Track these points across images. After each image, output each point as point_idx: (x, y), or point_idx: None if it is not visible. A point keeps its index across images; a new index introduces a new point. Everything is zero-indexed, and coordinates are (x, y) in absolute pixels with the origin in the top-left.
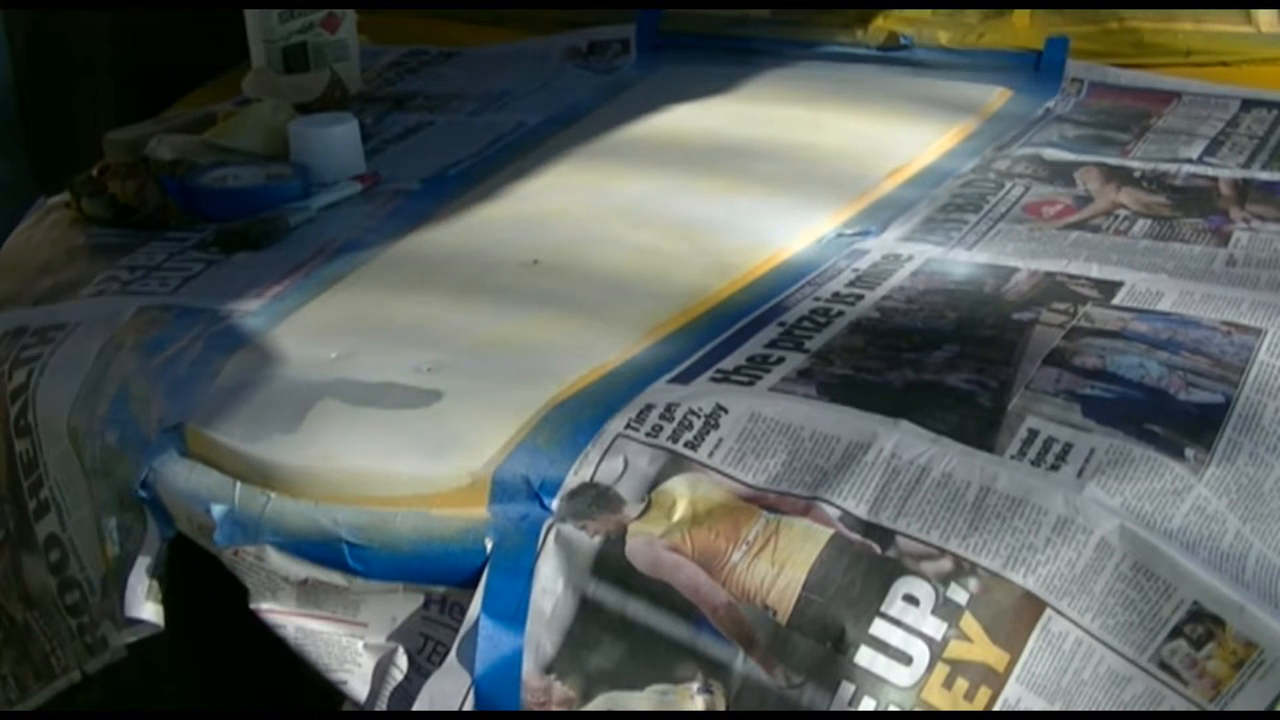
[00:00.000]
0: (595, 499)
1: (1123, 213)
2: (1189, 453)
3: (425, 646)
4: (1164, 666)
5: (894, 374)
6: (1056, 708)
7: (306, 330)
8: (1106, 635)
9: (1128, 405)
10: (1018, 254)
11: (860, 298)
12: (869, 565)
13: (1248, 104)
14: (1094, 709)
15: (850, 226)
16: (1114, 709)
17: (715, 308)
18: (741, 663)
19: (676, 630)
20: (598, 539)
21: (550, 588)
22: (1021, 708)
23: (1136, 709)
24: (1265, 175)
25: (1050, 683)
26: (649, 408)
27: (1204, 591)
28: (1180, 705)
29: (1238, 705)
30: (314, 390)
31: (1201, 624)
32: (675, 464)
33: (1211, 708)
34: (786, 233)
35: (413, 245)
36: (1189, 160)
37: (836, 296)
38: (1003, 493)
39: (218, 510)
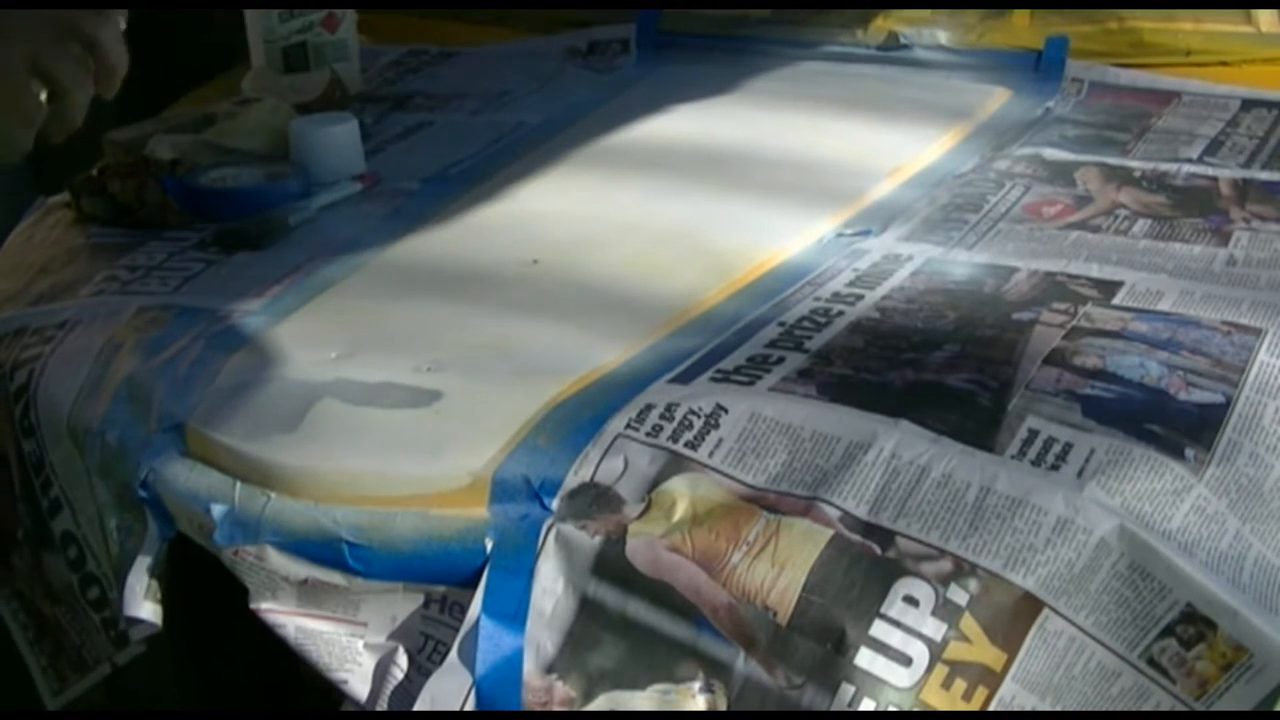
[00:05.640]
0: (595, 499)
1: (1123, 213)
2: (1189, 453)
3: (426, 646)
4: (1153, 663)
5: (894, 374)
6: (1047, 703)
7: (306, 330)
8: (1099, 631)
9: (1128, 405)
10: (1018, 254)
11: (860, 298)
12: (869, 566)
13: (1248, 104)
14: (1083, 703)
15: (850, 226)
16: (1102, 702)
17: (715, 308)
18: (743, 663)
19: (677, 630)
20: (598, 539)
21: (551, 587)
22: (1015, 706)
23: (1123, 703)
24: (1265, 175)
25: (1043, 680)
26: (649, 407)
27: (1198, 594)
28: (1167, 702)
29: (1223, 705)
30: (314, 390)
31: (1193, 625)
32: (675, 464)
33: (1198, 706)
34: (786, 233)
35: (413, 245)
36: (1189, 160)
37: (836, 296)
38: (1003, 493)
39: (218, 510)
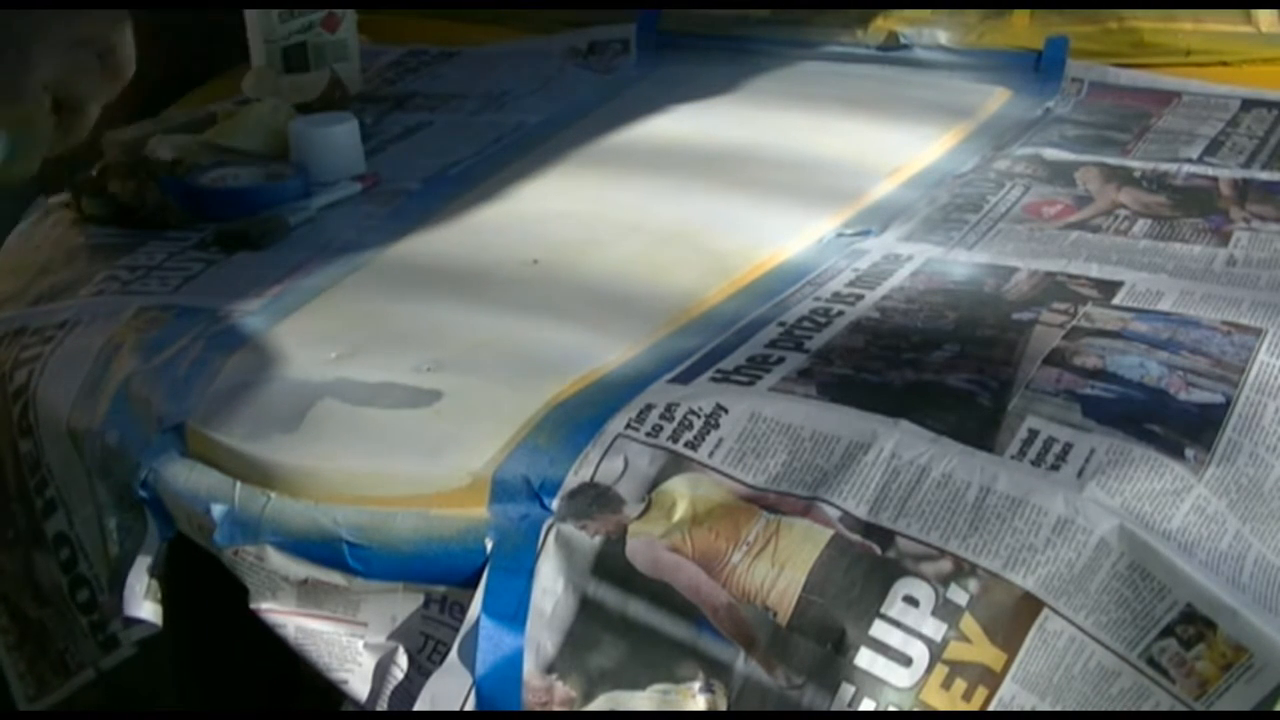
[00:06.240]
0: (595, 499)
1: (1123, 213)
2: (1189, 453)
3: (426, 646)
4: (1153, 664)
5: (894, 374)
6: (1047, 703)
7: (306, 330)
8: (1099, 632)
9: (1128, 405)
10: (1018, 254)
11: (860, 298)
12: (869, 566)
13: (1248, 104)
14: (1083, 703)
15: (850, 226)
16: (1102, 702)
17: (715, 308)
18: (743, 663)
19: (677, 630)
20: (598, 539)
21: (551, 587)
22: (1015, 706)
23: (1123, 703)
24: (1265, 175)
25: (1043, 680)
26: (649, 407)
27: (1198, 594)
28: (1167, 702)
29: (1223, 705)
30: (314, 390)
31: (1193, 625)
32: (675, 464)
33: (1198, 706)
34: (787, 233)
35: (413, 245)
36: (1189, 160)
37: (836, 296)
38: (1003, 493)
39: (218, 510)
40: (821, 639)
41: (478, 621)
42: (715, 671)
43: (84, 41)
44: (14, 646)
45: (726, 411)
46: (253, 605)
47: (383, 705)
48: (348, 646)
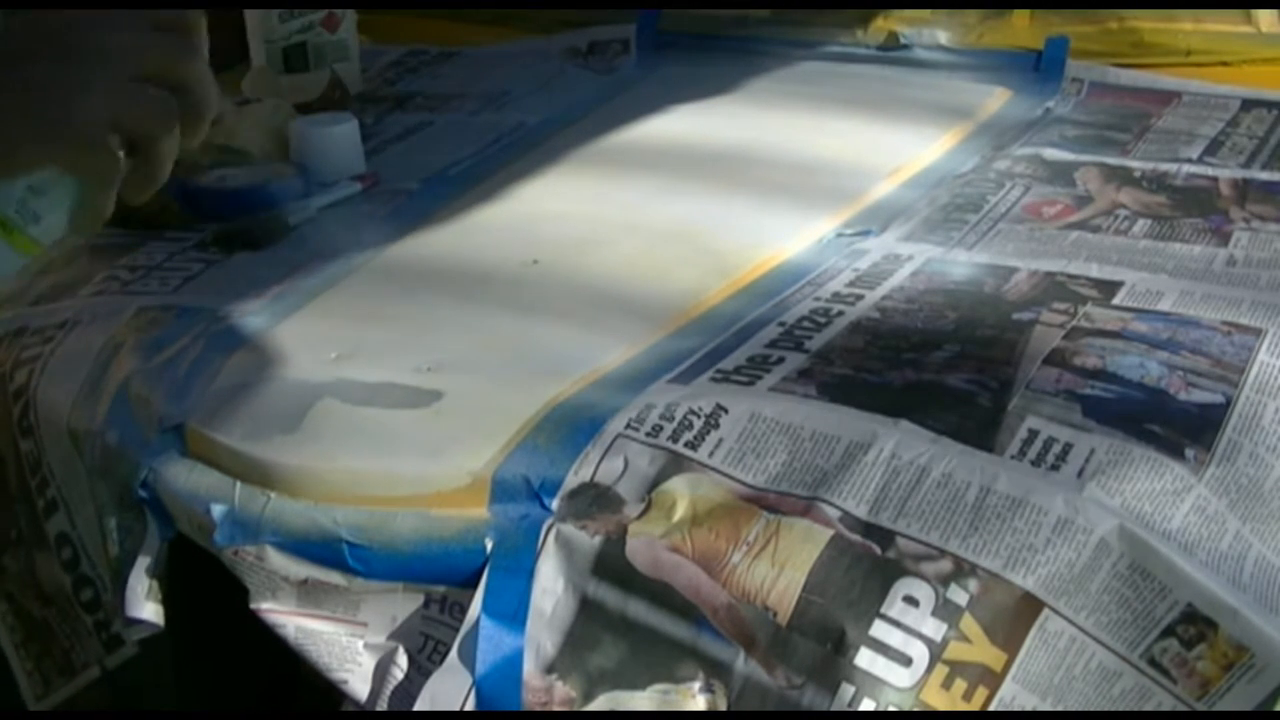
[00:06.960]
0: (595, 499)
1: (1123, 213)
2: (1189, 453)
3: (426, 646)
4: (1154, 664)
5: (894, 374)
6: (1048, 704)
7: (307, 330)
8: (1099, 632)
9: (1128, 405)
10: (1018, 254)
11: (860, 298)
12: (869, 566)
13: (1248, 104)
14: (1084, 703)
15: (850, 226)
16: (1103, 703)
17: (715, 308)
18: (743, 663)
19: (677, 630)
20: (598, 539)
21: (550, 588)
22: (1016, 706)
23: (1125, 704)
24: (1265, 175)
25: (1043, 680)
26: (649, 408)
27: (1199, 594)
28: (1168, 702)
29: (1225, 705)
30: (314, 390)
31: (1194, 625)
32: (675, 464)
33: (1200, 706)
34: (786, 233)
35: (412, 245)
36: (1189, 160)
37: (836, 296)
38: (1003, 493)
39: (218, 510)
40: (821, 639)
41: (478, 621)
42: (715, 671)
43: (153, 74)
44: (20, 644)
45: (726, 411)
46: (253, 605)
47: (383, 705)
48: (348, 646)
